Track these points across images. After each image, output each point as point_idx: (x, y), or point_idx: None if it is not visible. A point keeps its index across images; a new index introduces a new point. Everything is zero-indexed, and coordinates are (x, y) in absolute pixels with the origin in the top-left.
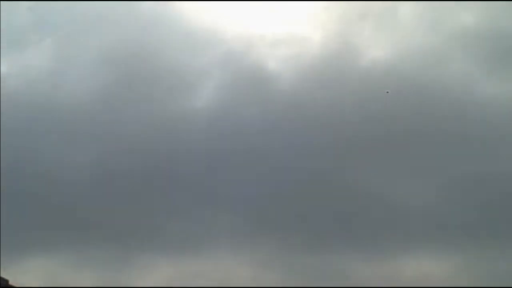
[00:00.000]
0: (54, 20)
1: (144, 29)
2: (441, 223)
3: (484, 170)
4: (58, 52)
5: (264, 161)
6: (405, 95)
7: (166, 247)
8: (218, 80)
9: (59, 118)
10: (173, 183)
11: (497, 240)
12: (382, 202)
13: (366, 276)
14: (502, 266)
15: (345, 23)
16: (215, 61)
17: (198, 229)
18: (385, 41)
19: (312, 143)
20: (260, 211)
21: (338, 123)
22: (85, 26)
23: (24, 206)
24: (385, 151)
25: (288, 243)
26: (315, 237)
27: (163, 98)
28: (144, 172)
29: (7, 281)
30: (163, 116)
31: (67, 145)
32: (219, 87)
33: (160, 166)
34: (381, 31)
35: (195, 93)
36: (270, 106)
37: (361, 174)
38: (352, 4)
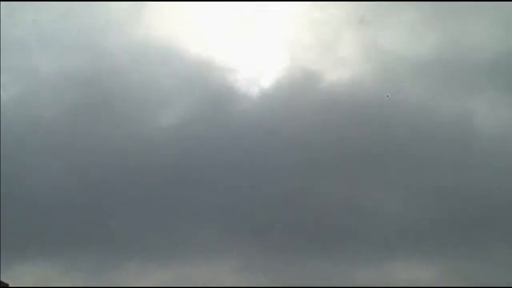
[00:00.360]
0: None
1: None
2: (413, 229)
3: (446, 184)
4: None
5: (235, 175)
6: (368, 115)
7: (154, 253)
8: (184, 100)
9: (38, 132)
10: (151, 194)
11: (467, 243)
12: (357, 211)
13: (353, 279)
14: (474, 269)
15: (309, 47)
16: (180, 82)
17: (180, 237)
18: (348, 63)
19: (282, 160)
20: (237, 220)
21: (306, 142)
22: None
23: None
24: (357, 168)
25: (271, 249)
26: (298, 243)
27: (131, 117)
28: (122, 183)
29: (7, 284)
30: (133, 135)
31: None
32: (185, 107)
33: (137, 178)
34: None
35: (162, 112)
36: (235, 126)
37: (333, 187)
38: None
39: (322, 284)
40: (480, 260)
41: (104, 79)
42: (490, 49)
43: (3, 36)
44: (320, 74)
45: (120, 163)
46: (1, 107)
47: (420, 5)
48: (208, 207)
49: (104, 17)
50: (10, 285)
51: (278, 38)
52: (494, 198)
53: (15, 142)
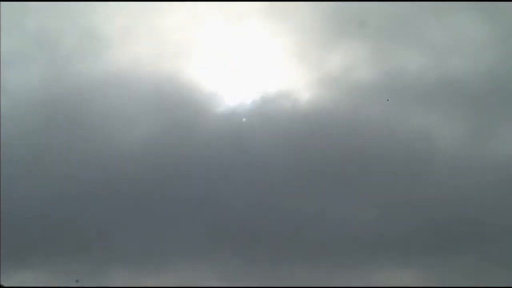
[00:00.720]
0: None
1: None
2: (383, 239)
3: (409, 197)
4: None
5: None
6: (334, 134)
7: (133, 262)
8: (152, 117)
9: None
10: (125, 206)
11: (433, 250)
12: (329, 223)
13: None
14: (441, 274)
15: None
16: (148, 102)
17: (158, 246)
18: (320, 84)
19: (252, 176)
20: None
21: (276, 160)
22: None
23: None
24: (327, 184)
25: (252, 258)
26: (274, 252)
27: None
28: (95, 196)
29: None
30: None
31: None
32: (153, 124)
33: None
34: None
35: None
36: (202, 142)
37: (305, 202)
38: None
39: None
40: (446, 266)
41: (72, 99)
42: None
43: None
44: (287, 94)
45: (92, 176)
46: None
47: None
48: (184, 218)
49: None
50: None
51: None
52: (454, 208)
53: None
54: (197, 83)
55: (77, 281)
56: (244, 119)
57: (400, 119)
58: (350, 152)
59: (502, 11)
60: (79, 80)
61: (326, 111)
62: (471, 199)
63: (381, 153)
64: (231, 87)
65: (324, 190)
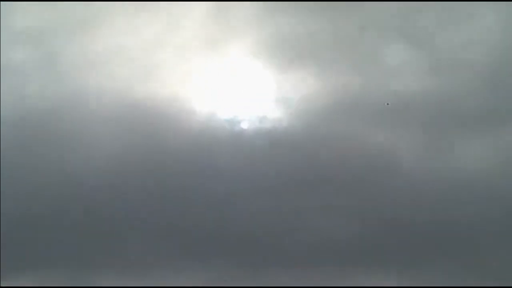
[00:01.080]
0: None
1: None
2: (351, 247)
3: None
4: None
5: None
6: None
7: (120, 270)
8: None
9: None
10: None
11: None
12: (304, 233)
13: None
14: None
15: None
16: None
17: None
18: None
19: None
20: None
21: (244, 171)
22: None
23: None
24: (297, 195)
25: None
26: (256, 262)
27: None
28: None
29: None
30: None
31: None
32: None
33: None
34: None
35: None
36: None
37: (276, 212)
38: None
39: None
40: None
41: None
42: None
43: None
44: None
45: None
46: None
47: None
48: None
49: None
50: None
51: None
52: (415, 220)
53: None
54: (169, 101)
55: None
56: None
57: (362, 137)
58: (319, 167)
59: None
60: (46, 100)
61: (290, 129)
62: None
63: (347, 167)
64: (205, 105)
65: (298, 202)
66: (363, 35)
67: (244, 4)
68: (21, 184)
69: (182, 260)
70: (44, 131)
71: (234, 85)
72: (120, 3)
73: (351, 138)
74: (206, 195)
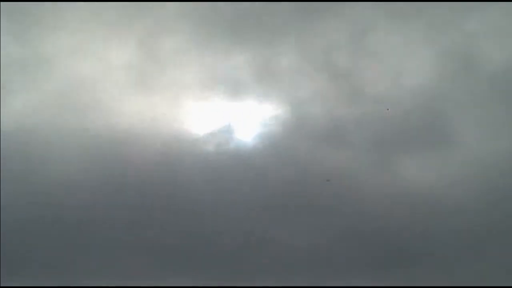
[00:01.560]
0: None
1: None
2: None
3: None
4: None
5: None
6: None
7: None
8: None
9: None
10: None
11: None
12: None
13: None
14: None
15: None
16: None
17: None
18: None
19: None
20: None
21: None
22: None
23: None
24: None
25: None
26: (223, 273)
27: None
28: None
29: None
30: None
31: None
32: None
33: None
34: None
35: None
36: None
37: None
38: None
39: None
40: None
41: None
42: None
43: None
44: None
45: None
46: None
47: None
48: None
49: None
50: None
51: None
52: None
53: None
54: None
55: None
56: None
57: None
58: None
59: None
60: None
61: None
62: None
63: (308, 185)
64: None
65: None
66: (323, 60)
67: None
68: None
69: (151, 271)
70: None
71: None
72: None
73: (311, 158)
74: (173, 212)
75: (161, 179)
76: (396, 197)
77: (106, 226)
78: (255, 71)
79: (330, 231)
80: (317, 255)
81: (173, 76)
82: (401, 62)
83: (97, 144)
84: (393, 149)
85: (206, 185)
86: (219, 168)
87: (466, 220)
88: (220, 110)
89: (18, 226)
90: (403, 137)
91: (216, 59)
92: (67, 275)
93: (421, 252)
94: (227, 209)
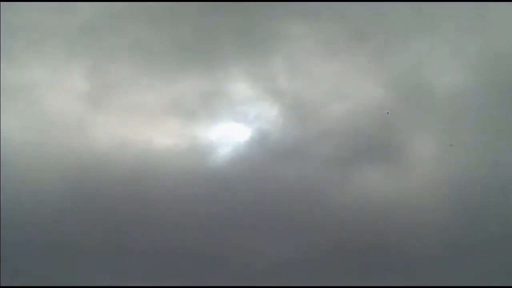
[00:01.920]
0: None
1: None
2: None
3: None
4: None
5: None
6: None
7: None
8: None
9: None
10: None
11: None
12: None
13: None
14: None
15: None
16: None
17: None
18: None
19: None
20: None
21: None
22: None
23: None
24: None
25: None
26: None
27: None
28: None
29: None
30: None
31: None
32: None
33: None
34: None
35: None
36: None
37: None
38: None
39: None
40: None
41: None
42: None
43: None
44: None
45: None
46: None
47: None
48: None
49: None
50: None
51: None
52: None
53: None
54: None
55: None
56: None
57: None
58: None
59: None
60: None
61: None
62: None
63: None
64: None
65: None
66: (275, 82)
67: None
68: None
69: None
70: None
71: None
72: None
73: (283, 176)
74: (147, 225)
75: (131, 196)
76: (355, 208)
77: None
78: (207, 95)
79: (295, 245)
80: (282, 270)
81: (127, 100)
82: (354, 84)
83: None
84: (353, 163)
85: (172, 201)
86: (182, 186)
87: (422, 231)
88: (178, 133)
89: None
90: (362, 152)
91: (168, 84)
92: None
93: (382, 262)
94: (190, 226)
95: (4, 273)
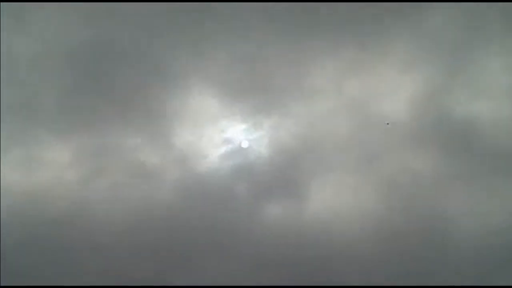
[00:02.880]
0: None
1: None
2: None
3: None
4: None
5: None
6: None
7: None
8: None
9: None
10: None
11: None
12: None
13: None
14: None
15: None
16: None
17: None
18: None
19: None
20: None
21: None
22: None
23: None
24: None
25: None
26: None
27: None
28: None
29: None
30: None
31: None
32: None
33: None
34: None
35: None
36: None
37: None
38: None
39: None
40: None
41: None
42: None
43: None
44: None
45: None
46: None
47: None
48: None
49: None
50: None
51: None
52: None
53: None
54: None
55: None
56: None
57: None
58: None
59: None
60: None
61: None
62: None
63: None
64: None
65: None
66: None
67: None
68: None
69: None
70: None
71: None
72: None
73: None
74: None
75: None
76: (265, 236)
77: None
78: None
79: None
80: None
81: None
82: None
83: None
84: (262, 199)
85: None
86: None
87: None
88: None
89: None
90: (269, 189)
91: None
92: None
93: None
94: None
95: None
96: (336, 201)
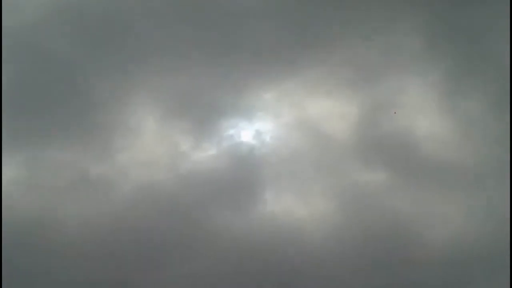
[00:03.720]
0: None
1: None
2: None
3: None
4: None
5: None
6: None
7: None
8: None
9: None
10: None
11: None
12: None
13: None
14: None
15: None
16: None
17: None
18: None
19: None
20: None
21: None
22: None
23: None
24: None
25: None
26: None
27: None
28: None
29: None
30: None
31: None
32: None
33: None
34: None
35: None
36: None
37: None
38: None
39: None
40: None
41: None
42: None
43: None
44: None
45: None
46: None
47: None
48: None
49: None
50: None
51: None
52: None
53: None
54: None
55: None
56: None
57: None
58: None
59: None
60: None
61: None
62: None
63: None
64: None
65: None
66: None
67: None
68: None
69: None
70: None
71: None
72: None
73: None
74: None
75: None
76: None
77: None
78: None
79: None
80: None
81: None
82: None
83: None
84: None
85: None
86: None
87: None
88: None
89: None
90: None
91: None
92: None
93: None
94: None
95: None
96: (291, 210)
